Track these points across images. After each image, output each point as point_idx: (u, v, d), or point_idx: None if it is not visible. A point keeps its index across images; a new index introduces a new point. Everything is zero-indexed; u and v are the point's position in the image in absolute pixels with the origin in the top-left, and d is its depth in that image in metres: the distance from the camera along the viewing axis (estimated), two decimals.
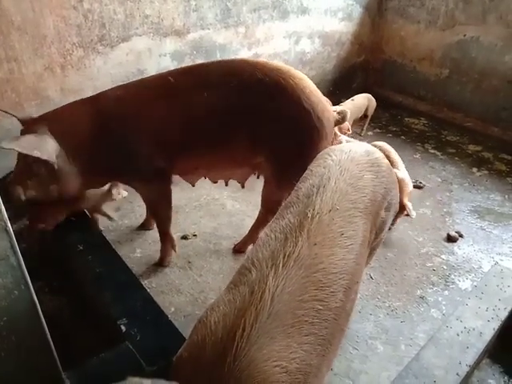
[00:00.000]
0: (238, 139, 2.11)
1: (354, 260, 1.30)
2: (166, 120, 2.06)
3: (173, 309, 2.22)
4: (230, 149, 2.16)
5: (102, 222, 2.61)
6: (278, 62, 2.22)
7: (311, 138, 2.08)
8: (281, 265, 1.17)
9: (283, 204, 1.49)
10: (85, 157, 2.06)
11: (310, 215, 1.30)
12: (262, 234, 1.38)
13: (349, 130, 3.44)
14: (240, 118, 2.07)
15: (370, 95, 4.04)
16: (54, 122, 2.05)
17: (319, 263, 1.21)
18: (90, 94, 2.98)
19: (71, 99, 2.92)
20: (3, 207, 1.39)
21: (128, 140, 2.05)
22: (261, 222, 2.41)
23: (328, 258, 1.23)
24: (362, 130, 4.12)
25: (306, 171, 1.59)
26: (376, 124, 4.32)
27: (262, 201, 2.40)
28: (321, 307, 1.15)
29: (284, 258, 1.19)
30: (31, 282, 1.59)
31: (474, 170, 3.61)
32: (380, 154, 1.64)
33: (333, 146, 1.73)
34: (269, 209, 2.29)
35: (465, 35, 4.06)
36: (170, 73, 2.16)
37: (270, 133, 2.07)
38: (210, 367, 1.02)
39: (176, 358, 1.13)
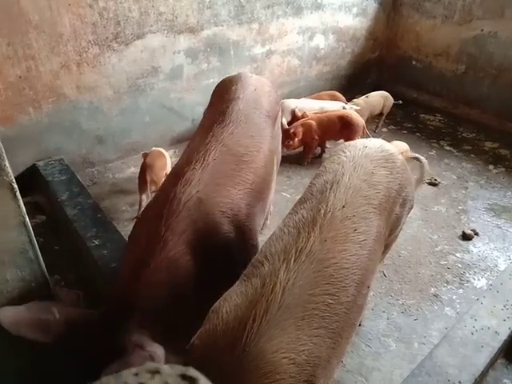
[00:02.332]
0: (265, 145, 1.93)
1: (366, 255, 1.30)
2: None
3: None
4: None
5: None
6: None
7: (278, 116, 2.24)
8: (293, 259, 1.19)
9: (298, 199, 1.50)
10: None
11: (323, 211, 1.31)
12: (275, 229, 1.39)
13: (364, 127, 3.42)
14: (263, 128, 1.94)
15: (386, 93, 3.99)
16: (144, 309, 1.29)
17: (331, 258, 1.22)
18: (105, 91, 3.06)
19: (87, 97, 3.00)
20: (22, 202, 1.43)
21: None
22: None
23: (340, 253, 1.24)
24: (377, 126, 4.08)
25: (320, 167, 1.59)
26: (391, 120, 4.27)
27: None
28: (332, 301, 1.17)
29: (296, 252, 1.21)
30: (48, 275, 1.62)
31: (491, 167, 3.55)
32: (395, 150, 1.62)
33: (347, 142, 1.72)
34: None
35: (482, 30, 3.98)
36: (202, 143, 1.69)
37: (275, 120, 2.14)
38: (220, 356, 1.05)
39: (189, 346, 1.15)
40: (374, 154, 1.54)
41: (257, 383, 1.01)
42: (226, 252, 1.50)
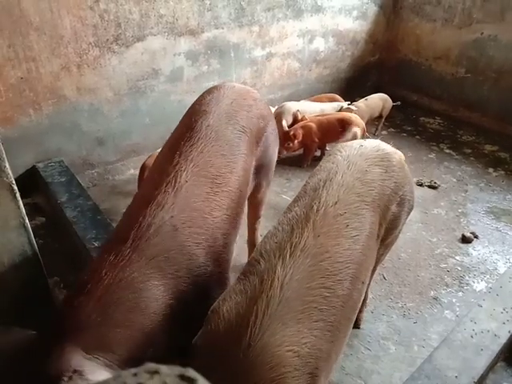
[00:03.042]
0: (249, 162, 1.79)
1: (360, 250, 1.32)
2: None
3: None
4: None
5: None
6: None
7: (276, 128, 2.10)
8: (288, 254, 1.21)
9: (293, 199, 1.52)
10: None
11: (315, 207, 1.34)
12: (271, 228, 1.41)
13: (364, 130, 3.43)
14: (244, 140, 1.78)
15: (385, 95, 3.99)
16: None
17: (325, 252, 1.24)
18: (105, 92, 3.07)
19: (87, 98, 3.00)
20: (21, 203, 1.43)
21: None
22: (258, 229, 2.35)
23: (333, 248, 1.26)
24: (377, 129, 4.09)
25: (316, 167, 1.62)
26: (390, 123, 4.27)
27: (258, 208, 2.21)
28: (328, 294, 1.19)
29: (291, 248, 1.23)
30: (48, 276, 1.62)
31: (490, 170, 3.56)
32: (391, 150, 1.63)
33: (344, 142, 1.73)
34: (261, 212, 2.25)
35: (482, 33, 3.99)
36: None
37: (260, 137, 1.92)
38: (225, 353, 1.06)
39: (191, 347, 1.16)
40: (370, 153, 1.55)
41: (263, 377, 1.03)
42: (201, 285, 1.41)
